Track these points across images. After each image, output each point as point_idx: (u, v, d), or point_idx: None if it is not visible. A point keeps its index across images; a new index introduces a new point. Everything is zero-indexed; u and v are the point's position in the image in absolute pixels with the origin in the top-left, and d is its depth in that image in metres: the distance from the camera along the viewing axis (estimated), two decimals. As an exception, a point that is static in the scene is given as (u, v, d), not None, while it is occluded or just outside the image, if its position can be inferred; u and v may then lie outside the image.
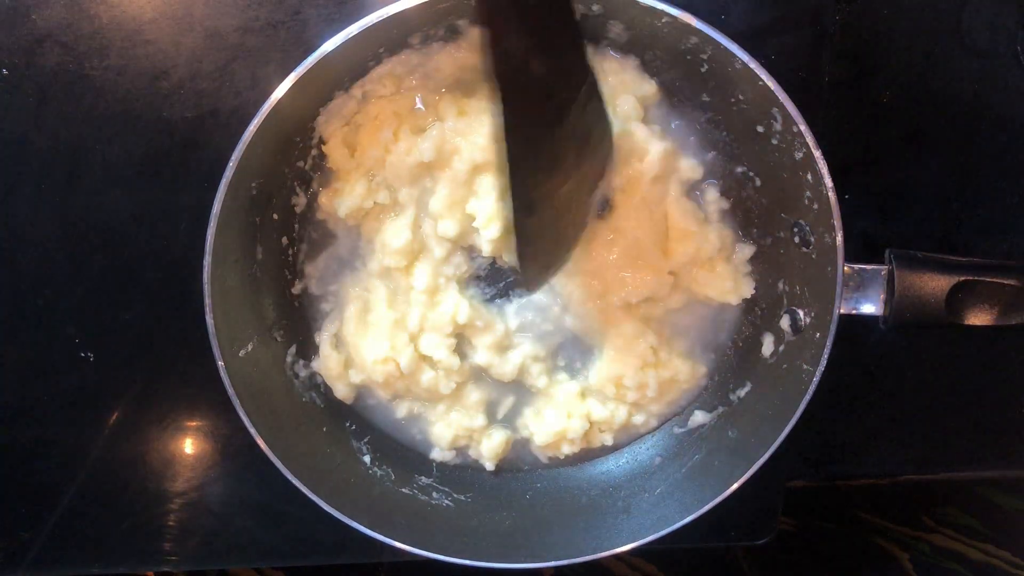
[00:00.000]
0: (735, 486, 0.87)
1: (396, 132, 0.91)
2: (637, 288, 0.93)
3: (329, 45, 0.79)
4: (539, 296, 0.96)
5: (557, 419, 0.98)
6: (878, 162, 1.03)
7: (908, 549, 1.21)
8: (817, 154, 0.80)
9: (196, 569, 1.08)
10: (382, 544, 0.88)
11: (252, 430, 0.85)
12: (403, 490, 0.98)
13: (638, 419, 1.00)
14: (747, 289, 0.96)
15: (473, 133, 0.89)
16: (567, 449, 1.00)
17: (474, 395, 0.99)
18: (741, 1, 0.92)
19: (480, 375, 0.99)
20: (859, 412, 1.10)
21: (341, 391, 0.98)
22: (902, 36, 1.00)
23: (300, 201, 0.95)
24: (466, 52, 0.90)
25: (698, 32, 0.80)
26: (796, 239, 0.90)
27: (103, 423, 1.01)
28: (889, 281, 0.83)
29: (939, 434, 1.11)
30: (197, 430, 1.02)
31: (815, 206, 0.84)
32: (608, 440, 1.01)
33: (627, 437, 1.03)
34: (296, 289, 0.98)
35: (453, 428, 0.99)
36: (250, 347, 0.90)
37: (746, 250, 0.96)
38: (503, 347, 0.97)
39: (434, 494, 0.99)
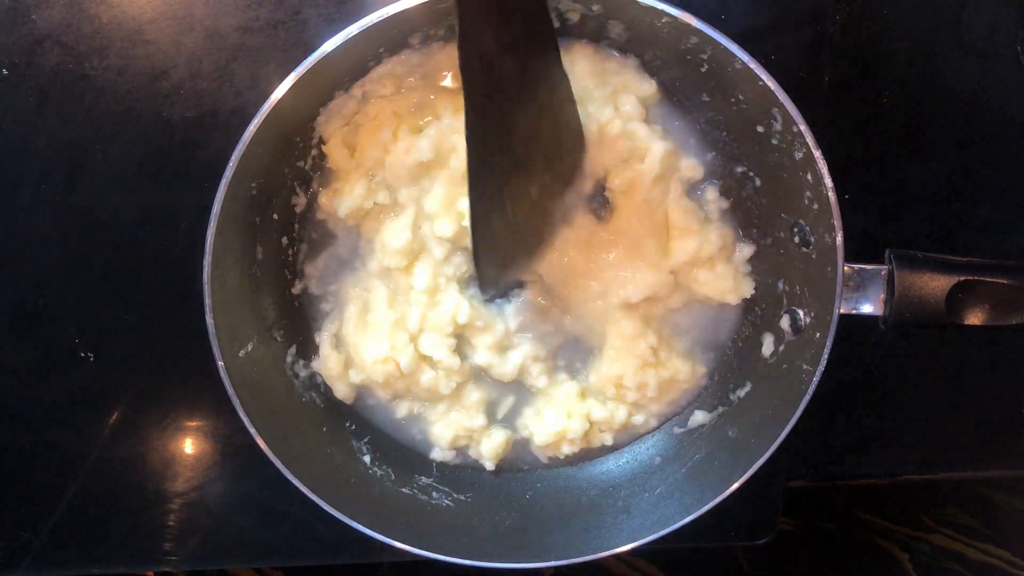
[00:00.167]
0: (735, 486, 0.87)
1: (395, 132, 0.91)
2: (637, 288, 0.93)
3: (329, 45, 0.79)
4: (539, 296, 0.96)
5: (557, 419, 0.98)
6: (878, 162, 1.03)
7: (908, 549, 1.21)
8: (817, 154, 0.80)
9: (196, 569, 1.08)
10: (382, 544, 0.88)
11: (252, 430, 0.85)
12: (403, 490, 0.98)
13: (638, 419, 1.00)
14: (747, 289, 0.96)
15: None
16: (567, 449, 1.00)
17: (474, 395, 0.99)
18: (741, 1, 0.92)
19: (480, 375, 1.00)
20: (859, 412, 1.10)
21: (341, 391, 0.98)
22: (902, 36, 1.00)
23: (300, 201, 0.95)
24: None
25: (698, 32, 0.80)
26: (796, 239, 0.90)
27: (103, 423, 1.01)
28: (889, 281, 0.83)
29: (939, 434, 1.11)
30: (197, 430, 1.02)
31: (815, 206, 0.84)
32: (608, 440, 1.01)
33: (627, 437, 1.03)
34: (296, 289, 0.98)
35: (453, 428, 0.99)
36: (250, 347, 0.90)
37: (746, 250, 0.96)
38: (503, 347, 0.97)
39: (434, 494, 0.99)
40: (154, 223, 0.96)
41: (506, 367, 0.97)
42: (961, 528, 1.22)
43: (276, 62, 0.93)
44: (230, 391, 0.84)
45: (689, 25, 0.79)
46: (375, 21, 0.79)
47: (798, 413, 0.85)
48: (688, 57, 0.86)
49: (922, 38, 1.00)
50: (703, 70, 0.87)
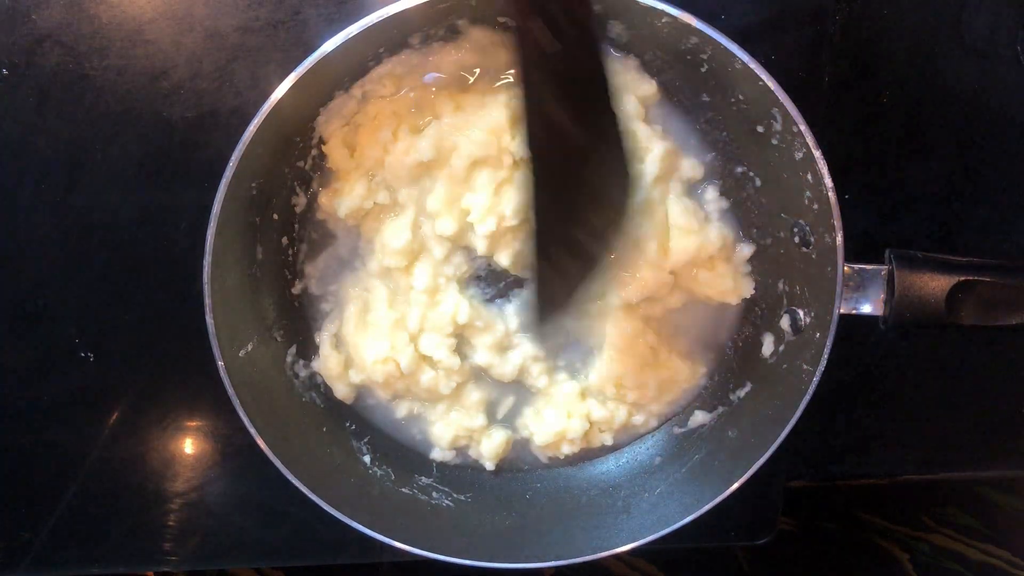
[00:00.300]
0: (735, 486, 0.87)
1: (395, 132, 0.91)
2: (637, 288, 0.93)
3: (329, 45, 0.79)
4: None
5: (557, 419, 0.98)
6: (878, 162, 1.03)
7: (908, 549, 1.21)
8: (817, 154, 0.80)
9: (196, 569, 1.08)
10: (382, 544, 0.88)
11: (252, 430, 0.85)
12: (403, 490, 0.98)
13: (638, 419, 1.00)
14: (747, 289, 0.96)
15: (471, 128, 0.89)
16: (567, 449, 1.00)
17: (474, 395, 0.99)
18: (741, 1, 0.92)
19: (480, 375, 1.00)
20: (859, 412, 1.10)
21: (341, 391, 0.98)
22: (902, 36, 1.00)
23: (300, 201, 0.95)
24: (466, 52, 0.90)
25: (698, 32, 0.80)
26: (796, 239, 0.90)
27: (103, 423, 1.01)
28: (889, 281, 0.83)
29: (939, 434, 1.11)
30: (197, 430, 1.02)
31: (815, 206, 0.84)
32: (608, 440, 1.01)
33: (627, 437, 1.03)
34: (296, 289, 0.98)
35: (453, 428, 0.99)
36: (250, 347, 0.90)
37: (746, 250, 0.96)
38: (503, 347, 0.97)
39: (434, 494, 0.99)
40: (154, 223, 0.96)
41: (506, 367, 0.97)
42: (961, 528, 1.22)
43: (276, 62, 0.93)
44: (230, 391, 0.84)
45: (689, 25, 0.79)
46: (375, 21, 0.79)
47: (798, 413, 0.85)
48: (688, 57, 0.86)
49: (922, 38, 1.00)
50: (703, 70, 0.87)
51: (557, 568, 0.91)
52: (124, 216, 0.96)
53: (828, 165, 0.80)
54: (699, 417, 1.00)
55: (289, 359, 0.97)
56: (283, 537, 1.04)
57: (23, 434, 1.01)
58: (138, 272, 0.98)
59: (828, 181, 0.80)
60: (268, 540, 1.04)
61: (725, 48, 0.79)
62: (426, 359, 0.95)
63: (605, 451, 1.03)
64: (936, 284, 0.82)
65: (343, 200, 0.92)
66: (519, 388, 1.00)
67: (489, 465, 1.00)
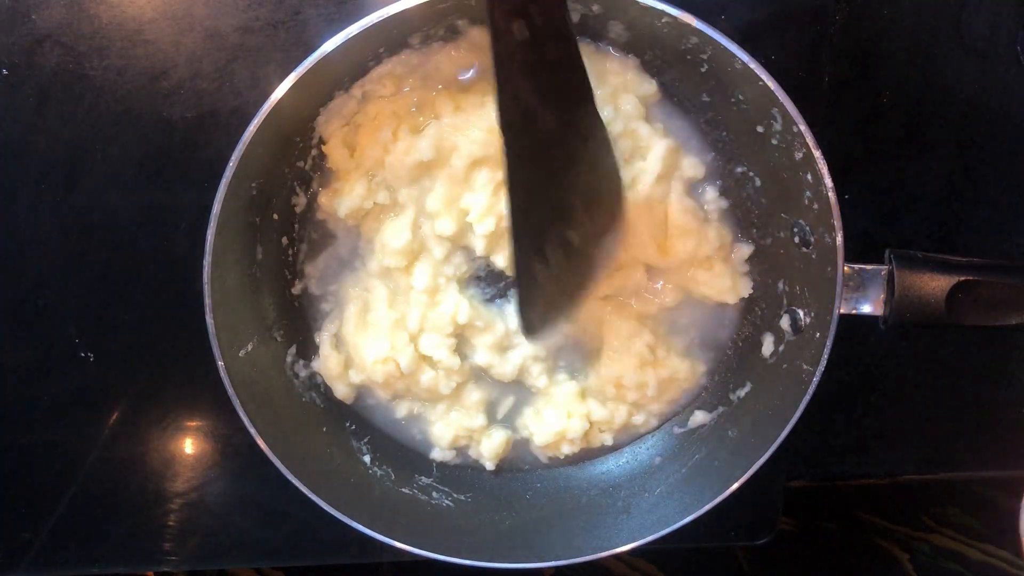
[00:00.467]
0: (735, 486, 0.87)
1: (395, 132, 0.91)
2: (634, 287, 0.93)
3: (329, 45, 0.79)
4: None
5: (557, 419, 0.98)
6: (878, 162, 1.03)
7: (908, 549, 1.21)
8: (817, 154, 0.80)
9: (196, 569, 1.08)
10: (382, 544, 0.88)
11: (252, 430, 0.85)
12: (403, 490, 0.98)
13: (638, 419, 1.00)
14: (745, 289, 0.96)
15: (470, 128, 0.89)
16: (567, 449, 1.00)
17: (474, 395, 0.99)
18: (741, 1, 0.92)
19: (480, 375, 1.00)
20: (859, 412, 1.10)
21: (341, 391, 0.98)
22: (902, 36, 1.00)
23: (300, 201, 0.95)
24: (466, 52, 0.90)
25: (698, 32, 0.80)
26: (796, 239, 0.90)
27: (103, 423, 1.01)
28: (889, 281, 0.83)
29: (939, 434, 1.11)
30: (197, 430, 1.02)
31: (815, 206, 0.84)
32: (608, 440, 1.01)
33: (627, 437, 1.03)
34: (296, 289, 0.98)
35: (453, 428, 0.99)
36: (250, 347, 0.90)
37: (744, 249, 0.96)
38: (503, 347, 0.97)
39: (434, 494, 0.99)
40: (154, 223, 0.96)
41: (506, 367, 0.97)
42: (961, 528, 1.22)
43: (276, 62, 0.93)
44: (230, 391, 0.84)
45: (689, 25, 0.79)
46: (375, 21, 0.79)
47: (798, 413, 0.85)
48: (688, 57, 0.86)
49: (922, 38, 1.00)
50: (703, 70, 0.87)
51: (557, 568, 0.91)
52: (124, 216, 0.96)
53: (828, 165, 0.80)
54: (699, 417, 1.00)
55: (289, 359, 0.97)
56: (283, 537, 1.04)
57: (23, 434, 1.01)
58: (138, 272, 0.98)
59: (828, 181, 0.80)
60: (268, 540, 1.04)
61: (725, 48, 0.79)
62: (426, 359, 0.95)
63: (605, 451, 1.03)
64: (936, 284, 0.82)
65: (343, 200, 0.92)
66: (519, 388, 1.00)
67: (489, 465, 1.00)
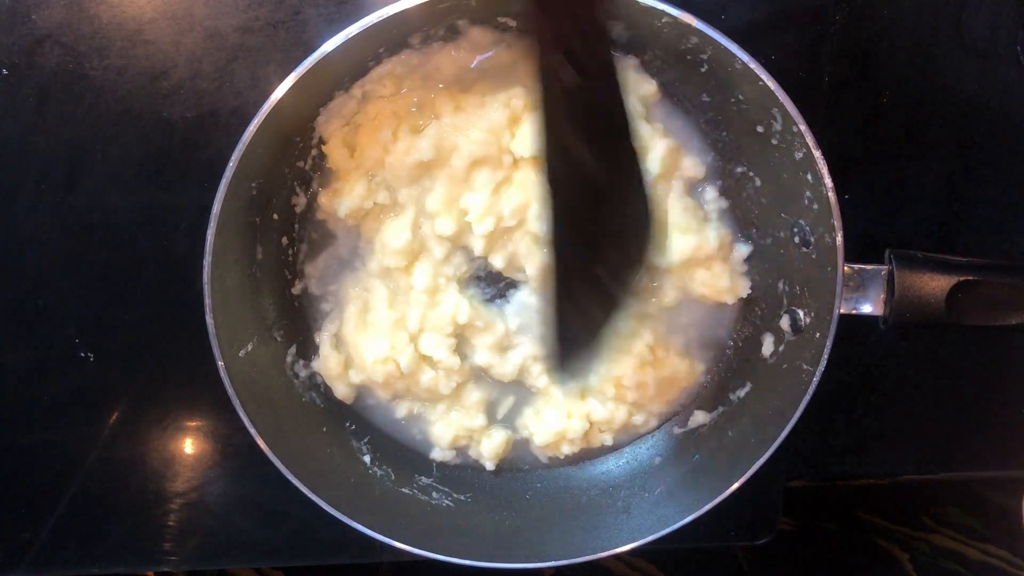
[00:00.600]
0: (735, 486, 0.87)
1: (395, 132, 0.91)
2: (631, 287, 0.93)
3: (329, 45, 0.79)
4: (532, 298, 0.96)
5: (557, 419, 0.98)
6: (878, 162, 1.03)
7: (908, 549, 1.21)
8: (817, 154, 0.80)
9: (196, 569, 1.08)
10: (382, 544, 0.88)
11: (252, 430, 0.85)
12: (403, 490, 0.98)
13: (638, 419, 1.00)
14: (743, 289, 0.96)
15: (470, 128, 0.89)
16: (567, 449, 1.00)
17: (474, 395, 0.99)
18: (741, 1, 0.92)
19: (480, 375, 1.00)
20: (859, 412, 1.10)
21: (341, 391, 0.98)
22: (902, 36, 1.00)
23: (300, 201, 0.95)
24: (466, 52, 0.90)
25: (698, 32, 0.80)
26: (796, 239, 0.90)
27: (103, 423, 1.01)
28: (889, 281, 0.83)
29: (939, 434, 1.11)
30: (197, 430, 1.02)
31: (815, 206, 0.84)
32: (608, 440, 1.01)
33: (627, 437, 1.03)
34: (296, 289, 0.98)
35: (453, 428, 0.99)
36: (250, 347, 0.90)
37: (743, 250, 0.96)
38: (503, 347, 0.97)
39: (434, 494, 0.99)
40: (154, 223, 0.96)
41: (506, 367, 0.97)
42: (961, 528, 1.22)
43: (276, 62, 0.93)
44: (230, 391, 0.84)
45: (689, 25, 0.79)
46: (375, 21, 0.79)
47: (798, 413, 0.85)
48: (688, 57, 0.86)
49: (922, 38, 1.00)
50: (703, 70, 0.87)
51: (557, 568, 0.91)
52: (124, 216, 0.96)
53: (828, 165, 0.80)
54: (699, 417, 1.00)
55: (289, 359, 0.97)
56: (283, 537, 1.04)
57: (23, 434, 1.01)
58: (138, 272, 0.98)
59: (828, 181, 0.80)
60: (268, 540, 1.04)
61: (725, 48, 0.79)
62: (426, 359, 0.95)
63: (605, 451, 1.02)
64: (936, 284, 0.82)
65: (343, 200, 0.92)
66: (519, 388, 1.00)
67: (489, 465, 1.00)
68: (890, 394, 1.09)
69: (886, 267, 0.83)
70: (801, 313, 0.91)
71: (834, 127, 0.99)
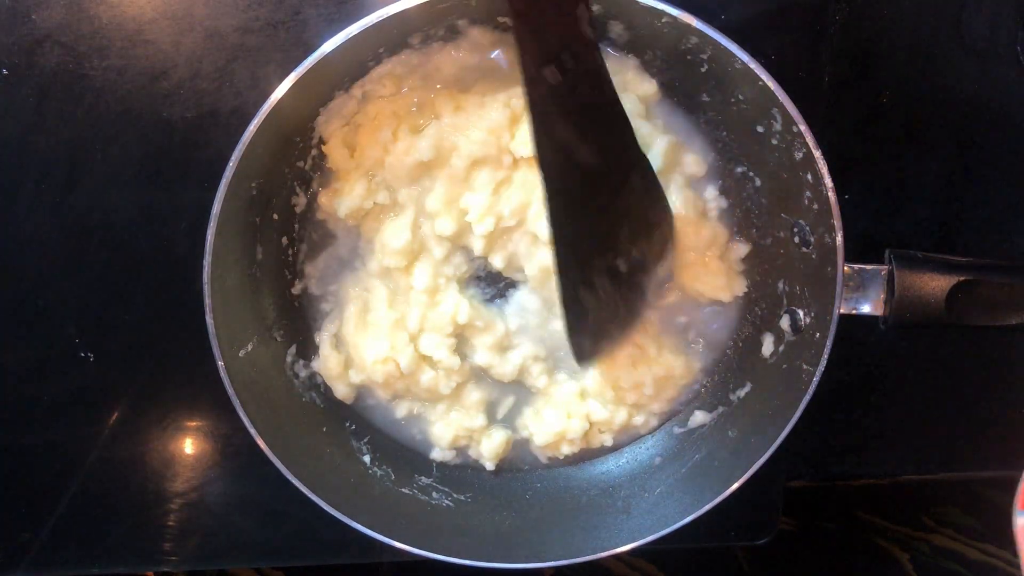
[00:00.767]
0: (735, 486, 0.87)
1: (395, 132, 0.91)
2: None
3: (329, 45, 0.79)
4: (532, 298, 0.96)
5: (557, 419, 0.98)
6: (878, 162, 1.03)
7: (908, 549, 1.21)
8: (817, 154, 0.80)
9: (196, 569, 1.08)
10: (382, 544, 0.88)
11: (252, 430, 0.85)
12: (403, 490, 0.98)
13: (638, 419, 1.00)
14: (739, 287, 0.96)
15: (470, 128, 0.89)
16: (567, 449, 1.00)
17: (474, 395, 0.99)
18: (741, 1, 0.92)
19: (480, 375, 1.00)
20: (859, 412, 1.10)
21: (341, 391, 0.98)
22: (902, 36, 1.00)
23: (300, 201, 0.95)
24: (466, 52, 0.90)
25: (698, 32, 0.80)
26: (796, 239, 0.90)
27: (103, 423, 1.01)
28: (889, 281, 0.83)
29: (939, 434, 1.11)
30: (197, 430, 1.02)
31: (815, 206, 0.84)
32: (608, 441, 1.01)
33: (627, 437, 1.03)
34: (296, 289, 0.98)
35: (453, 428, 0.99)
36: (250, 347, 0.90)
37: (741, 249, 0.96)
38: (503, 347, 0.97)
39: (434, 494, 0.99)
40: (154, 223, 0.96)
41: (506, 367, 0.97)
42: (961, 528, 1.22)
43: (276, 62, 0.93)
44: (230, 391, 0.84)
45: (689, 25, 0.79)
46: (375, 21, 0.79)
47: (798, 413, 0.85)
48: (688, 57, 0.86)
49: (922, 38, 1.00)
50: (703, 70, 0.87)
51: (557, 568, 0.91)
52: (124, 216, 0.96)
53: (828, 165, 0.80)
54: (699, 417, 1.00)
55: (289, 359, 0.97)
56: (283, 537, 1.04)
57: (23, 434, 1.01)
58: (138, 272, 0.98)
59: (828, 181, 0.80)
60: (268, 540, 1.04)
61: (725, 48, 0.79)
62: (426, 359, 0.95)
63: (605, 451, 1.02)
64: (936, 284, 0.82)
65: (343, 200, 0.92)
66: (519, 388, 1.01)
67: (489, 465, 1.00)
68: (890, 394, 1.09)
69: (886, 267, 0.83)
70: (801, 313, 0.91)
71: (834, 127, 0.99)
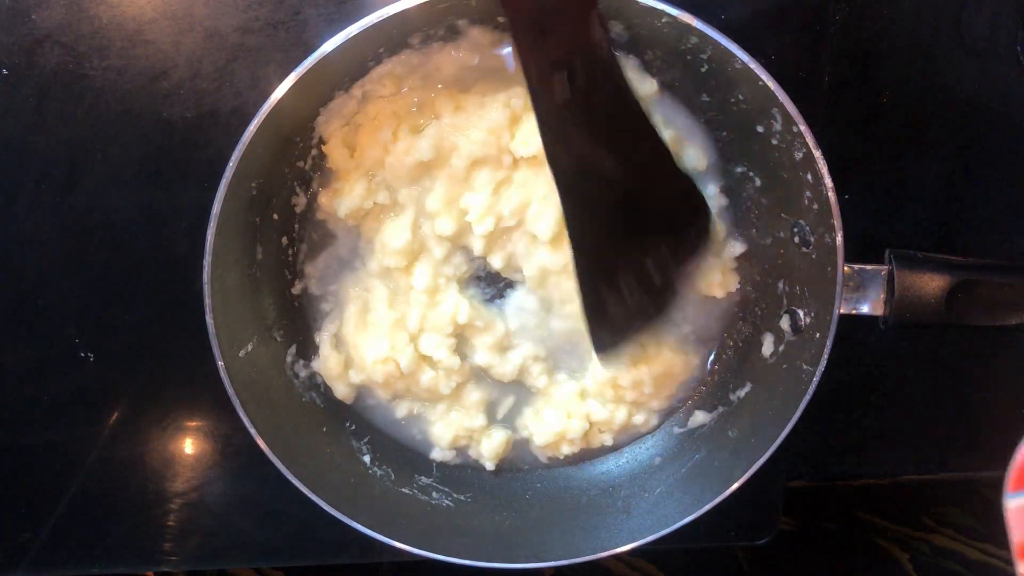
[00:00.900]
0: (735, 486, 0.87)
1: (395, 132, 0.91)
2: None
3: (329, 45, 0.79)
4: (529, 299, 0.96)
5: (557, 419, 0.98)
6: (878, 162, 1.03)
7: (908, 549, 1.21)
8: (817, 154, 0.80)
9: (196, 569, 1.08)
10: (382, 544, 0.88)
11: (252, 430, 0.85)
12: (403, 490, 0.98)
13: (638, 419, 1.00)
14: (733, 284, 0.96)
15: (470, 128, 0.89)
16: (567, 449, 1.00)
17: (474, 395, 0.99)
18: (741, 1, 0.92)
19: (480, 375, 1.00)
20: (859, 412, 1.10)
21: (341, 391, 0.98)
22: (902, 36, 1.00)
23: (300, 201, 0.95)
24: (466, 52, 0.90)
25: (698, 32, 0.80)
26: (796, 239, 0.90)
27: (103, 423, 1.01)
28: (889, 281, 0.83)
29: (939, 434, 1.11)
30: (197, 430, 1.02)
31: (815, 206, 0.84)
32: (608, 441, 1.01)
33: (627, 437, 1.03)
34: (296, 289, 0.98)
35: (453, 428, 0.99)
36: (250, 347, 0.90)
37: (737, 247, 0.96)
38: (503, 347, 0.97)
39: (434, 494, 0.99)
40: (154, 223, 0.96)
41: (506, 367, 0.97)
42: (961, 528, 1.22)
43: (276, 62, 0.93)
44: (230, 391, 0.84)
45: (689, 25, 0.79)
46: (375, 21, 0.79)
47: (798, 413, 0.85)
48: (688, 57, 0.86)
49: (922, 38, 1.00)
50: (703, 70, 0.87)
51: (557, 568, 0.91)
52: (124, 216, 0.96)
53: (828, 165, 0.80)
54: (699, 417, 1.00)
55: (289, 359, 0.97)
56: (283, 537, 1.04)
57: (23, 434, 1.01)
58: (138, 272, 0.98)
59: (828, 181, 0.80)
60: (268, 540, 1.04)
61: (725, 48, 0.79)
62: (426, 359, 0.95)
63: (605, 451, 1.03)
64: (936, 284, 0.82)
65: (343, 200, 0.92)
66: (519, 388, 1.01)
67: (489, 465, 1.00)
68: (890, 394, 1.09)
69: (886, 267, 0.83)
70: (801, 313, 0.91)
71: (834, 127, 0.99)
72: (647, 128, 0.76)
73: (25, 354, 0.99)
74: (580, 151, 0.72)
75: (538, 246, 0.91)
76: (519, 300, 0.97)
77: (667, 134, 0.91)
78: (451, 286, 0.95)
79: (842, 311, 0.83)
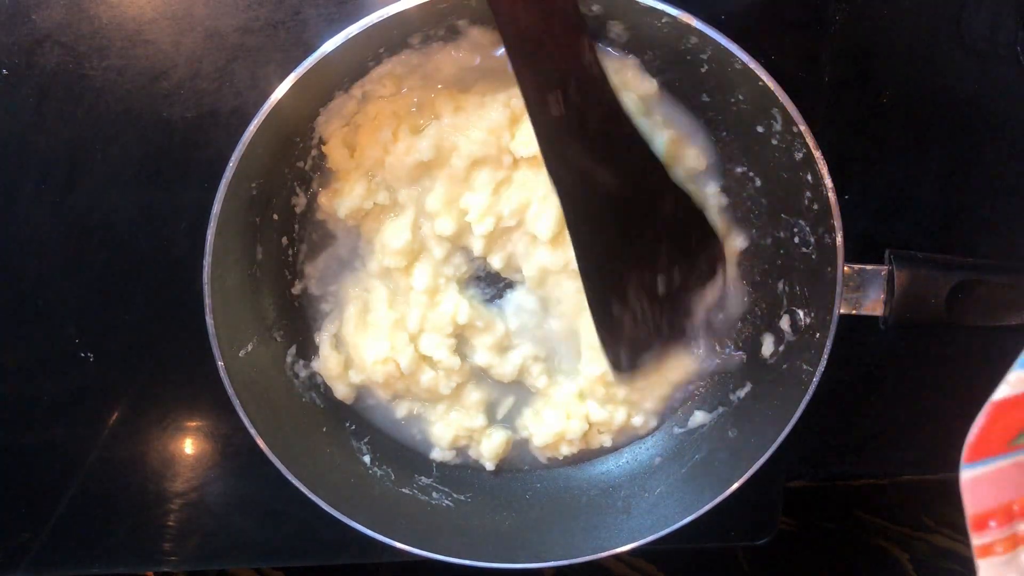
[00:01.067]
0: (735, 486, 0.87)
1: (395, 132, 0.91)
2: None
3: (329, 45, 0.79)
4: (528, 299, 0.96)
5: (556, 420, 0.98)
6: (878, 162, 1.03)
7: (908, 549, 1.21)
8: (817, 154, 0.80)
9: (196, 569, 1.08)
10: (382, 544, 0.88)
11: (252, 430, 0.85)
12: (403, 490, 0.98)
13: (637, 420, 1.00)
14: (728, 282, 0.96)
15: (470, 128, 0.89)
16: (566, 450, 1.00)
17: (474, 395, 0.99)
18: (741, 1, 0.92)
19: (480, 375, 1.00)
20: (859, 412, 1.10)
21: (341, 391, 0.98)
22: (902, 36, 1.00)
23: (300, 201, 0.95)
24: (466, 52, 0.90)
25: (698, 32, 0.80)
26: (796, 239, 0.90)
27: (103, 423, 1.01)
28: (889, 281, 0.83)
29: (939, 434, 1.11)
30: (197, 430, 1.02)
31: (815, 206, 0.84)
32: (607, 441, 1.01)
33: (626, 438, 1.03)
34: (296, 289, 0.98)
35: (453, 428, 0.99)
36: (250, 347, 0.91)
37: (735, 246, 0.96)
38: (503, 348, 0.97)
39: (434, 494, 0.99)
40: (154, 223, 0.96)
41: (506, 367, 0.97)
42: (961, 528, 1.21)
43: (276, 62, 0.93)
44: (230, 391, 0.84)
45: (689, 25, 0.79)
46: (375, 21, 0.79)
47: (798, 413, 0.85)
48: (688, 57, 0.86)
49: (922, 38, 1.00)
50: (703, 70, 0.87)
51: (557, 568, 0.91)
52: (124, 216, 0.96)
53: (828, 165, 0.80)
54: (699, 417, 1.00)
55: (289, 359, 0.97)
56: (283, 537, 1.04)
57: (23, 434, 1.01)
58: (138, 272, 0.97)
59: (828, 181, 0.80)
60: (268, 540, 1.04)
61: (725, 48, 0.79)
62: (426, 359, 0.95)
63: (605, 451, 1.02)
64: (936, 284, 0.82)
65: (343, 200, 0.92)
66: (519, 388, 1.01)
67: (489, 465, 1.00)
68: (890, 394, 1.09)
69: (886, 267, 0.83)
70: (801, 313, 0.91)
71: (834, 127, 0.99)
72: (647, 158, 0.78)
73: (25, 354, 0.99)
74: (578, 164, 0.73)
75: (538, 246, 0.91)
76: (519, 300, 0.97)
77: (667, 134, 0.91)
78: (451, 286, 0.95)
79: (842, 311, 0.83)
